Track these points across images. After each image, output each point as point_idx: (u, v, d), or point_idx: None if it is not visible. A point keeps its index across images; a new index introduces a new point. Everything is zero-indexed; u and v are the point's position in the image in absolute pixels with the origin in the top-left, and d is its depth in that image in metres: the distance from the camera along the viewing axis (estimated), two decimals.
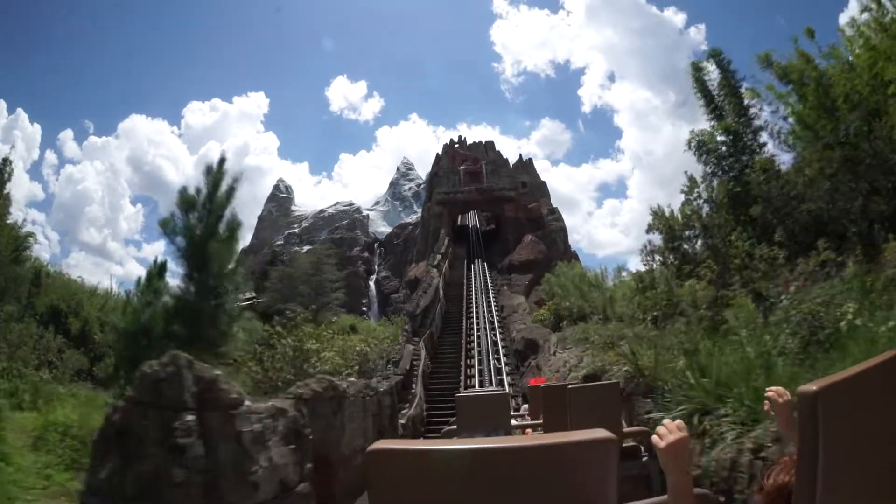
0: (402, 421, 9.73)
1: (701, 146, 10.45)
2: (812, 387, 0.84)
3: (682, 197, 10.87)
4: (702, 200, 10.51)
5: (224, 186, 7.11)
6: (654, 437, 1.20)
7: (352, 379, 6.91)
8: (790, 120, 9.11)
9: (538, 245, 37.99)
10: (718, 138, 10.31)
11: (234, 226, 7.32)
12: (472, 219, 47.65)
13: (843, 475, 0.86)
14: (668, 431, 1.18)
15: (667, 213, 11.14)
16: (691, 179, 10.75)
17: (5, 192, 15.85)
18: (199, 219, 7.01)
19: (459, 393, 7.15)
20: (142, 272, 7.98)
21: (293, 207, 78.16)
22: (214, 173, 7.15)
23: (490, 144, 51.41)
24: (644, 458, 3.63)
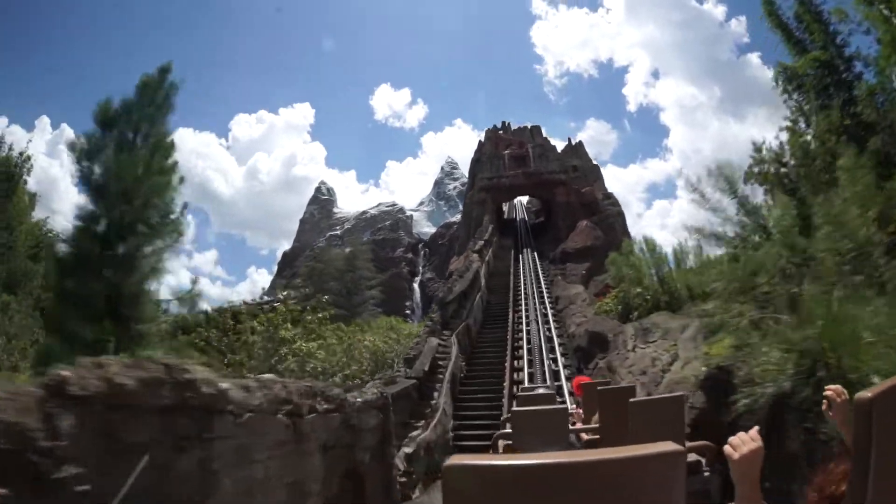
0: (409, 450, 6.42)
1: (791, 79, 8.99)
2: (867, 393, 0.88)
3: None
4: (810, 136, 8.66)
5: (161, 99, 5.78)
6: (727, 448, 1.16)
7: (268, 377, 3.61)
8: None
9: (594, 231, 33.68)
10: (809, 72, 8.89)
11: (162, 146, 5.67)
12: (520, 210, 43.97)
13: (893, 481, 0.88)
14: (742, 442, 1.15)
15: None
16: (798, 109, 8.90)
17: (28, 191, 15.56)
18: (120, 137, 5.54)
19: (511, 408, 5.86)
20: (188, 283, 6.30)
21: (335, 210, 77.41)
22: (148, 80, 5.75)
23: (536, 129, 47.31)
24: (706, 473, 3.39)
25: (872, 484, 0.86)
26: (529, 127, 48.13)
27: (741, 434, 1.16)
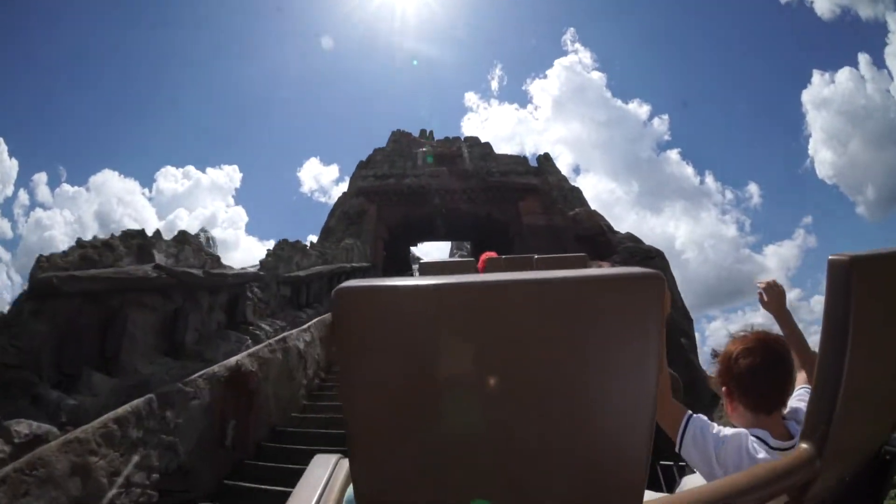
0: None
1: None
2: (843, 257, 0.83)
3: None
4: None
5: None
6: (760, 295, 1.54)
7: None
8: None
9: None
10: None
11: None
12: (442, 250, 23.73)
13: (870, 351, 0.86)
14: (769, 287, 1.53)
15: None
16: None
17: None
18: None
19: (423, 260, 4.74)
20: None
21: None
22: None
23: (475, 139, 28.55)
24: None
25: (850, 351, 0.83)
26: (465, 138, 29.23)
27: (766, 280, 1.53)
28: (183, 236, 6.87)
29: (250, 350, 5.72)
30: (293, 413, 6.39)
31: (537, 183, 18.61)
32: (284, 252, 10.83)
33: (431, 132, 29.15)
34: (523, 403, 0.63)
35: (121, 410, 3.58)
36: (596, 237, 17.87)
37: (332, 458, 1.59)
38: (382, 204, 18.08)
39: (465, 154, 23.17)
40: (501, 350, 0.62)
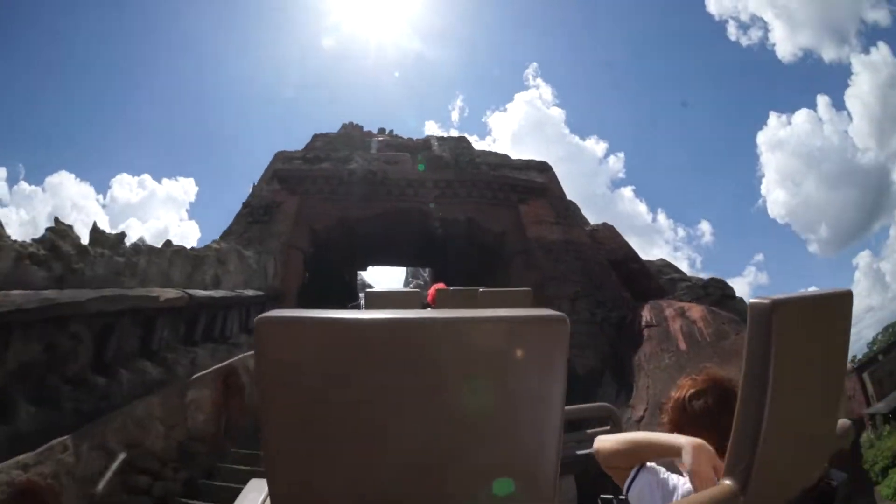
0: None
1: None
2: (765, 300, 0.87)
3: None
4: None
5: None
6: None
7: None
8: None
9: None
10: None
11: None
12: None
13: (791, 388, 0.89)
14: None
15: None
16: None
17: None
18: None
19: (369, 290, 4.46)
20: None
21: None
22: None
23: (460, 139, 22.57)
24: None
25: (771, 388, 0.86)
26: (434, 137, 23.33)
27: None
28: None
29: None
30: None
31: (544, 181, 12.74)
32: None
33: (392, 131, 23.06)
34: (436, 439, 0.65)
35: None
36: (627, 263, 12.09)
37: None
38: (308, 198, 11.55)
39: (434, 145, 17.17)
40: (418, 384, 0.64)
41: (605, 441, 1.21)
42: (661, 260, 14.28)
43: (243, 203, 11.42)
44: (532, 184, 12.30)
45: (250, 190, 11.56)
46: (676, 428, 1.22)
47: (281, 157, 13.45)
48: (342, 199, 11.75)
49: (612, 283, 10.20)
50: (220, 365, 6.39)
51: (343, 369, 0.63)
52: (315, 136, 18.55)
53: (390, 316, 0.63)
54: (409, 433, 0.65)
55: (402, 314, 0.64)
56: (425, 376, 0.63)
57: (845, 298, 1.04)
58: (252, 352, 6.67)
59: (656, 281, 12.29)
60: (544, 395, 0.66)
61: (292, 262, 10.60)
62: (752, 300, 0.90)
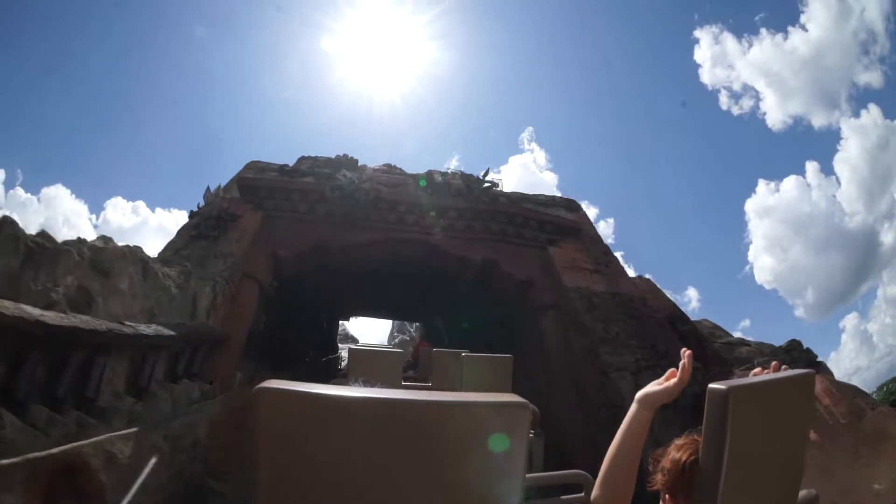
0: None
1: None
2: (723, 386, 0.94)
3: None
4: None
5: None
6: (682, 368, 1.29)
7: None
8: None
9: None
10: None
11: None
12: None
13: (744, 464, 0.96)
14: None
15: None
16: None
17: None
18: None
19: (352, 346, 5.19)
20: None
21: None
22: None
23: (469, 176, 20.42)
24: (531, 435, 3.14)
25: (727, 464, 0.92)
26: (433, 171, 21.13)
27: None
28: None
29: None
30: None
31: (576, 220, 10.27)
32: None
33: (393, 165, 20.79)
34: None
35: None
36: (675, 324, 9.39)
37: None
38: (278, 216, 8.86)
39: (438, 180, 14.84)
40: (401, 460, 0.69)
41: (595, 487, 1.23)
42: (706, 320, 11.64)
43: (190, 212, 8.64)
44: (564, 221, 9.81)
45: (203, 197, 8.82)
46: (669, 491, 1.21)
47: (253, 166, 10.86)
48: (321, 221, 9.07)
49: (676, 350, 7.52)
50: (49, 451, 3.17)
51: (334, 443, 0.68)
52: (301, 159, 16.11)
53: (378, 395, 0.70)
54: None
55: (388, 394, 0.70)
56: (407, 452, 0.69)
57: (807, 379, 1.13)
58: (131, 430, 4.10)
59: (711, 346, 9.61)
60: (507, 472, 0.73)
61: (244, 296, 7.71)
62: (710, 385, 0.96)
